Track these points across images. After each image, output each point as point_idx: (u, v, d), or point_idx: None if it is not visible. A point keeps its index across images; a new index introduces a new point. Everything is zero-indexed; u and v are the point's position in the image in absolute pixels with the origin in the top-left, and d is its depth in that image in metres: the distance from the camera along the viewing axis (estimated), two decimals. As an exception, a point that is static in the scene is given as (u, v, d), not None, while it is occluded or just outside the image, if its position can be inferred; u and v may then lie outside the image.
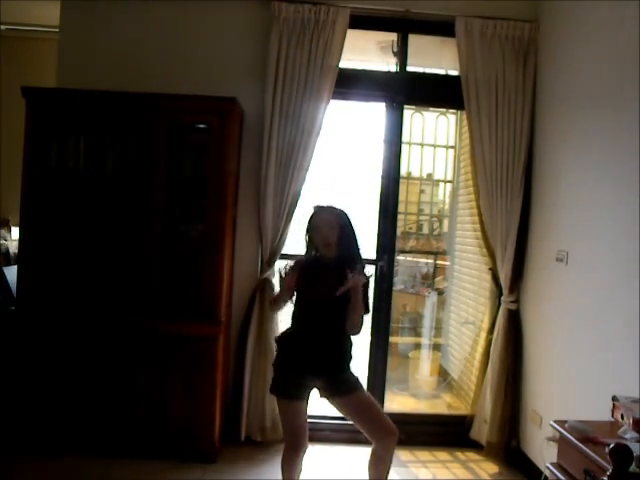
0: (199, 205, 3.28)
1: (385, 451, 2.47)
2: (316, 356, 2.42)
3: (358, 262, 2.46)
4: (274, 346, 2.71)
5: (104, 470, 3.07)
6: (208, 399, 3.22)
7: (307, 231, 2.54)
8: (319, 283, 2.43)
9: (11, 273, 3.57)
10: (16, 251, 3.74)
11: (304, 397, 2.48)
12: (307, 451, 2.50)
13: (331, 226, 2.45)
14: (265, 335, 3.51)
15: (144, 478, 3.03)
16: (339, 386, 2.46)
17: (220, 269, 3.23)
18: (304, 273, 2.45)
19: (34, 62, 4.36)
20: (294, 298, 2.48)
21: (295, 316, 2.51)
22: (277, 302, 2.57)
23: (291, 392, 2.44)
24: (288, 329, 2.54)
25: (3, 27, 4.39)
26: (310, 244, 2.54)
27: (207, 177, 3.24)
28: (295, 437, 2.45)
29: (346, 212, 2.53)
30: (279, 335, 2.60)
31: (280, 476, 2.51)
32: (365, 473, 2.54)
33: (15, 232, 4.07)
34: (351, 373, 2.50)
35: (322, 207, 2.52)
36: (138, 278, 3.23)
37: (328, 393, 2.48)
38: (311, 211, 2.55)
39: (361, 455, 3.45)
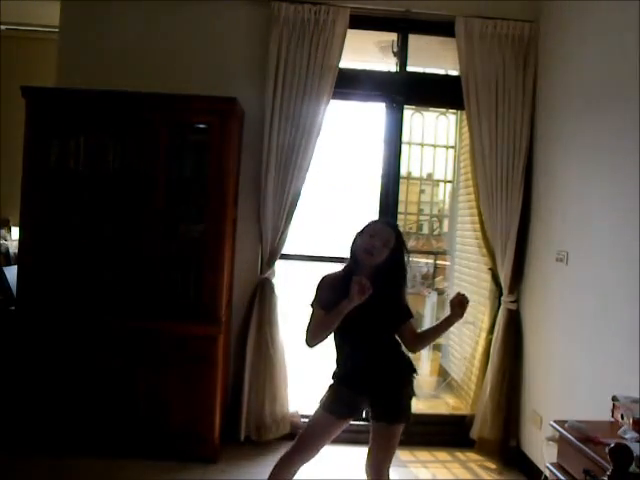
0: (199, 205, 3.29)
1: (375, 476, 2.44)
2: (371, 373, 2.31)
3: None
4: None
5: (104, 470, 3.07)
6: (208, 399, 3.21)
7: (355, 238, 2.35)
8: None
9: (11, 273, 3.57)
10: (16, 251, 3.74)
11: (350, 415, 2.37)
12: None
13: (382, 240, 2.26)
14: (265, 335, 3.51)
15: (144, 478, 3.03)
16: (389, 410, 2.34)
17: (220, 269, 3.23)
18: (339, 287, 2.21)
19: (34, 62, 4.35)
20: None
21: (341, 336, 2.31)
22: (329, 327, 2.22)
23: (341, 410, 2.33)
24: (342, 349, 2.37)
25: (3, 27, 4.39)
26: (352, 251, 2.33)
27: (207, 177, 3.24)
28: (307, 451, 2.34)
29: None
30: (337, 356, 2.40)
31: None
32: (364, 474, 2.52)
33: (15, 232, 4.07)
34: (411, 397, 2.39)
35: (381, 219, 2.39)
36: (138, 278, 3.22)
37: (377, 414, 2.37)
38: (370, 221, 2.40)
39: (361, 455, 3.46)
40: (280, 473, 2.33)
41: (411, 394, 2.39)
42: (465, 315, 2.27)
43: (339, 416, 2.35)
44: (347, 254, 2.37)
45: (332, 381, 2.42)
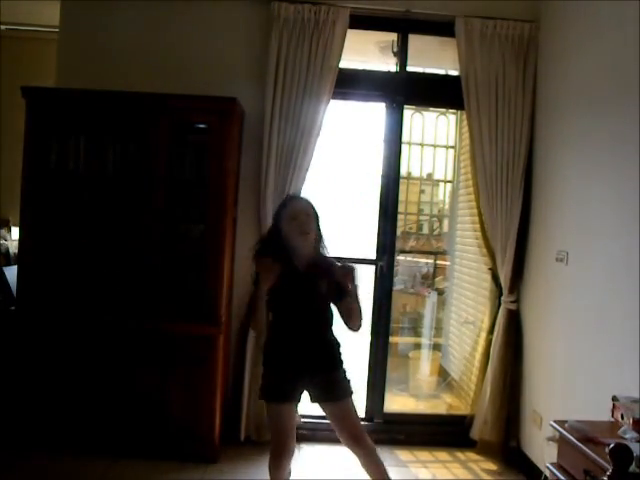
0: (199, 205, 3.28)
1: (361, 458, 2.43)
2: (308, 354, 2.37)
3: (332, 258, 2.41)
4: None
5: (104, 470, 3.07)
6: (208, 399, 3.21)
7: (275, 222, 2.41)
8: (298, 281, 2.35)
9: (11, 273, 3.57)
10: (16, 251, 3.74)
11: (293, 399, 2.42)
12: (294, 454, 2.43)
13: (307, 213, 2.36)
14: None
15: (145, 478, 3.03)
16: (332, 389, 2.40)
17: (220, 269, 3.23)
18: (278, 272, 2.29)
19: (34, 62, 4.35)
20: (270, 295, 2.33)
21: (277, 320, 2.42)
22: (257, 308, 2.36)
23: (280, 395, 2.38)
24: (271, 335, 2.45)
25: (3, 27, 4.39)
26: (276, 238, 2.38)
27: (207, 177, 3.25)
28: (280, 444, 2.36)
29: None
30: (265, 341, 2.49)
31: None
32: (364, 474, 2.53)
33: (15, 232, 4.07)
34: (345, 376, 2.45)
35: (294, 196, 2.45)
36: (138, 278, 3.22)
37: (320, 396, 2.42)
38: (280, 202, 2.48)
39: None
40: (275, 476, 2.38)
41: (344, 372, 2.44)
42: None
43: (282, 402, 2.38)
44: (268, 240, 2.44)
45: (263, 369, 2.45)
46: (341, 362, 2.47)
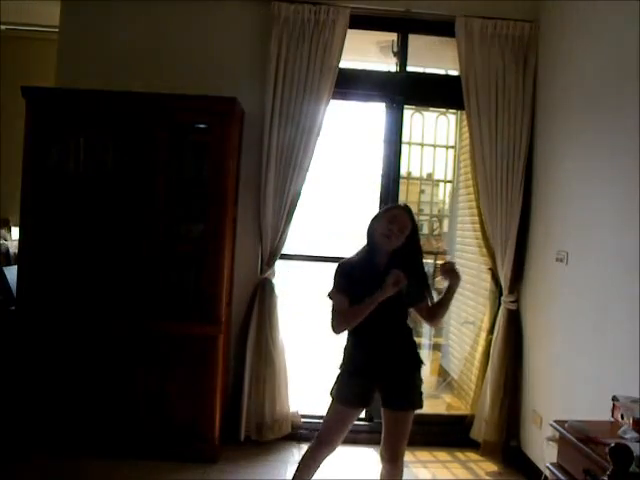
0: (199, 205, 3.28)
1: (386, 473, 2.45)
2: (390, 357, 2.36)
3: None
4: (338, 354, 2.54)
5: (104, 470, 3.06)
6: (208, 399, 3.21)
7: (372, 222, 2.40)
8: (377, 282, 2.27)
9: (11, 273, 3.57)
10: (16, 251, 3.74)
11: (365, 404, 2.43)
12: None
13: (400, 225, 2.32)
14: (265, 335, 3.51)
15: (145, 478, 3.03)
16: (406, 394, 2.39)
17: (220, 269, 3.23)
18: (357, 273, 2.33)
19: (34, 62, 4.35)
20: (351, 301, 2.32)
21: (356, 330, 2.36)
22: (359, 315, 2.29)
23: (354, 399, 2.37)
24: (353, 337, 2.42)
25: (3, 27, 4.39)
26: (369, 236, 2.39)
27: (207, 177, 3.25)
28: (332, 443, 2.39)
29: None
30: (346, 345, 2.45)
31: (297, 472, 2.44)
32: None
33: (15, 232, 4.07)
34: (421, 384, 2.44)
35: (397, 204, 2.44)
36: (138, 278, 3.22)
37: (389, 401, 2.40)
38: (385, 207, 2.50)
39: (361, 455, 3.46)
40: (305, 472, 2.41)
41: (420, 381, 2.44)
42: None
43: (353, 406, 2.39)
44: (364, 238, 2.42)
45: (340, 370, 2.44)
46: (421, 362, 2.46)
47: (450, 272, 2.38)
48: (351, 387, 2.39)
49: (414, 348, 2.47)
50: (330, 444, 2.40)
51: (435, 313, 2.49)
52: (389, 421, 2.42)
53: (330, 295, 2.35)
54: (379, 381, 2.39)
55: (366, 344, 2.38)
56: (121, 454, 3.16)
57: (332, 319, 2.32)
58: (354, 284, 2.30)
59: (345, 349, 2.46)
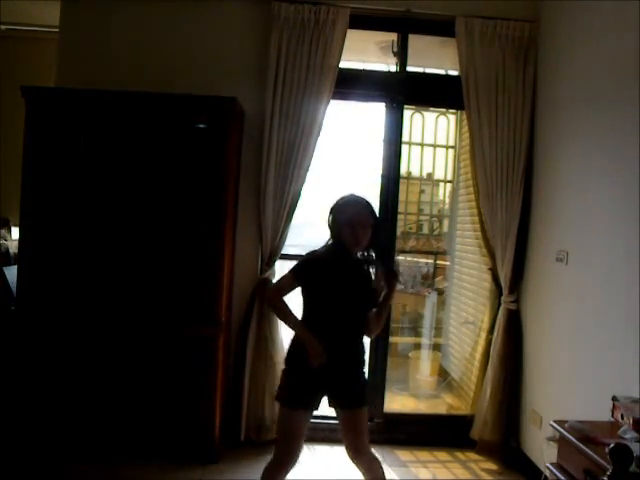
0: (199, 205, 3.28)
1: (365, 471, 2.38)
2: (341, 357, 2.29)
3: (389, 261, 2.40)
4: (283, 351, 2.57)
5: (104, 471, 3.07)
6: (208, 399, 3.21)
7: (333, 222, 2.36)
8: (343, 283, 2.28)
9: (11, 273, 3.57)
10: (16, 251, 3.74)
11: (312, 406, 2.31)
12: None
13: (364, 226, 2.29)
14: (265, 335, 3.51)
15: (145, 478, 3.03)
16: (352, 396, 2.35)
17: (220, 269, 3.23)
18: (322, 269, 2.27)
19: (34, 62, 4.35)
20: (310, 295, 2.31)
21: (312, 317, 2.31)
22: (284, 320, 2.37)
23: (302, 400, 2.27)
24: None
25: (3, 27, 4.39)
26: (334, 234, 2.35)
27: (207, 177, 3.24)
28: (288, 452, 2.27)
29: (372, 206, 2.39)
30: (293, 339, 2.37)
31: None
32: (350, 474, 2.50)
33: (15, 232, 4.06)
34: (365, 383, 2.43)
35: (354, 199, 2.36)
36: (138, 278, 3.22)
37: (339, 401, 2.36)
38: (339, 199, 2.40)
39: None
40: None
41: (365, 379, 2.44)
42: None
43: (305, 406, 2.29)
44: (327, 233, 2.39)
45: (287, 368, 2.37)
46: (364, 361, 2.42)
47: (393, 278, 2.31)
48: (299, 387, 2.29)
49: (363, 352, 2.41)
50: (288, 456, 2.28)
51: (370, 326, 2.39)
52: (348, 421, 2.36)
53: (288, 273, 2.33)
54: (328, 381, 2.30)
55: (324, 342, 2.26)
56: (120, 454, 3.16)
57: (272, 287, 2.41)
58: (316, 279, 2.27)
59: (293, 343, 2.36)
